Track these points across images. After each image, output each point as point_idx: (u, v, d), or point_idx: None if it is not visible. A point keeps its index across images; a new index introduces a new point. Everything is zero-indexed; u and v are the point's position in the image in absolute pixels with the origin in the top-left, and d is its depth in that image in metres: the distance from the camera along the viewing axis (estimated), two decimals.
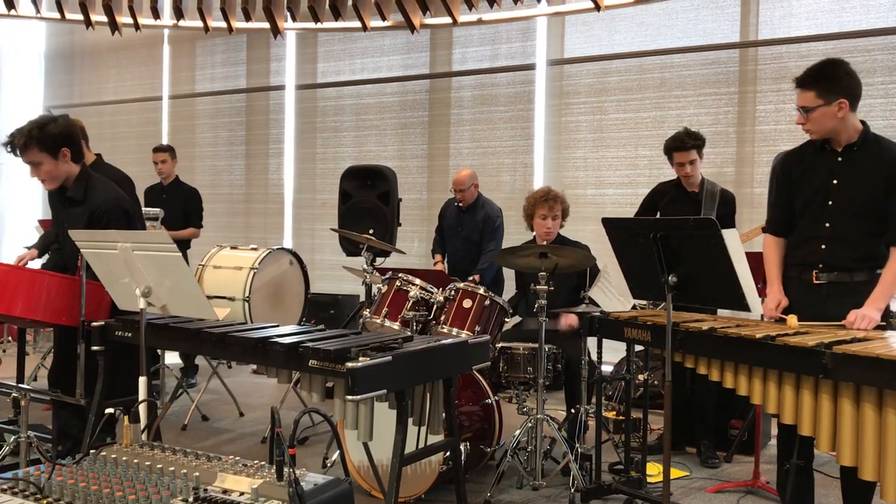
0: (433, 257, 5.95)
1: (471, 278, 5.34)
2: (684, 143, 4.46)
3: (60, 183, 3.75)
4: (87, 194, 3.73)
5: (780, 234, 3.33)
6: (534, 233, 4.65)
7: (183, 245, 6.02)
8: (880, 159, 3.05)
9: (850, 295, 3.05)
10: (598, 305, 3.97)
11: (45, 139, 3.62)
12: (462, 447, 3.54)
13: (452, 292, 4.13)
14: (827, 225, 3.13)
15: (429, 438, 3.02)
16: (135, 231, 3.20)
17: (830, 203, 3.12)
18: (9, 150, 3.69)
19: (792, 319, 2.97)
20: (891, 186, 3.02)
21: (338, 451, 4.05)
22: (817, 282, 3.14)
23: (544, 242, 4.44)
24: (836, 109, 3.02)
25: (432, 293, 4.15)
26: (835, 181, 3.12)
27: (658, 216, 4.60)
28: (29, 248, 4.19)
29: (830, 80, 3.03)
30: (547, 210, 4.46)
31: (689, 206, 4.51)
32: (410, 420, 2.81)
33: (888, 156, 3.05)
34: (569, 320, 4.35)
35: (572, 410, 4.22)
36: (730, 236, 2.74)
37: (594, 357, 3.86)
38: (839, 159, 3.13)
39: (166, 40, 9.26)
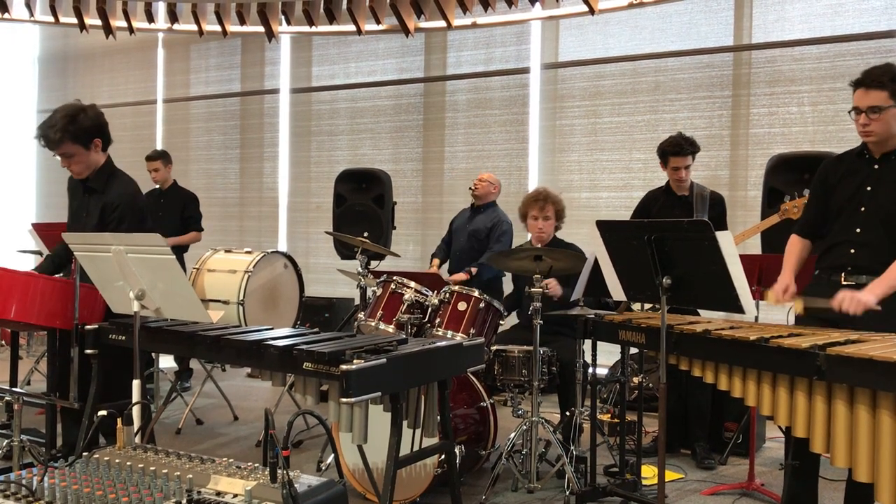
0: (430, 260, 5.92)
1: (468, 269, 5.35)
2: (683, 149, 4.48)
3: (91, 171, 3.79)
4: (108, 186, 3.77)
5: (806, 235, 3.38)
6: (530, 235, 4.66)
7: (180, 249, 5.99)
8: None
9: None
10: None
11: (78, 132, 3.67)
12: (457, 450, 3.54)
13: (447, 295, 4.13)
14: (858, 230, 3.15)
15: (423, 441, 3.02)
16: (129, 234, 3.19)
17: (863, 209, 3.15)
18: (42, 144, 3.71)
19: (798, 304, 3.01)
20: None
21: (332, 454, 4.04)
22: (846, 283, 3.14)
23: (538, 244, 4.44)
24: None
25: (427, 296, 4.15)
26: (868, 188, 3.15)
27: None
28: None
29: None
30: (538, 211, 4.46)
31: (681, 209, 4.54)
32: (405, 423, 2.80)
33: None
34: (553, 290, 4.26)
35: (567, 413, 4.22)
36: (724, 238, 2.76)
37: (588, 359, 3.87)
38: (876, 167, 3.16)
39: (160, 44, 9.25)
